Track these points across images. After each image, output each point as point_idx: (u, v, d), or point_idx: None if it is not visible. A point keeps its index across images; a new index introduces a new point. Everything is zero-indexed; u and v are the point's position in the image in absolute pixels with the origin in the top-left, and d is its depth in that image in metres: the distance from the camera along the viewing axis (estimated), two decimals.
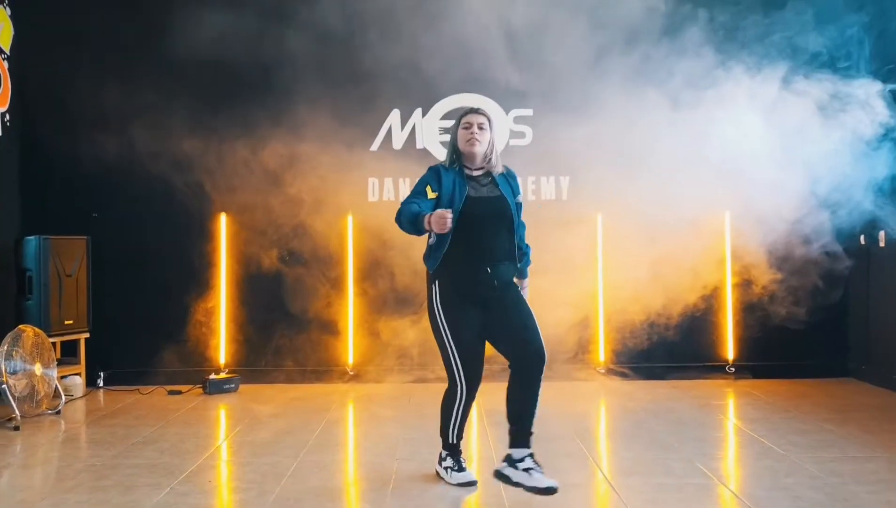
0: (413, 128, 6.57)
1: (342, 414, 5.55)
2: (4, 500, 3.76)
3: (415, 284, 6.23)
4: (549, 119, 6.41)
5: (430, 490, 3.76)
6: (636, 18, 6.20)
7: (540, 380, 3.59)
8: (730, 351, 6.50)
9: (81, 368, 6.20)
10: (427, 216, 3.44)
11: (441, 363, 3.74)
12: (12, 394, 5.07)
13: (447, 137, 6.41)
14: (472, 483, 3.77)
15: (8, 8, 6.24)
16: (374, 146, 6.57)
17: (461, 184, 3.64)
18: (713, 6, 6.25)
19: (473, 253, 3.60)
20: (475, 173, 3.71)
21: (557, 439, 4.67)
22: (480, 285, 3.61)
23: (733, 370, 6.47)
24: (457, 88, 6.51)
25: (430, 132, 6.56)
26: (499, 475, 3.61)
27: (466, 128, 3.69)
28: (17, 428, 5.01)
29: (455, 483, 3.78)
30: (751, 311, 6.45)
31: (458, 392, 3.67)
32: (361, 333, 6.57)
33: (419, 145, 6.57)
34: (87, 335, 6.25)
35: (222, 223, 6.55)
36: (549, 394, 5.71)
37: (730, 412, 5.43)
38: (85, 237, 6.27)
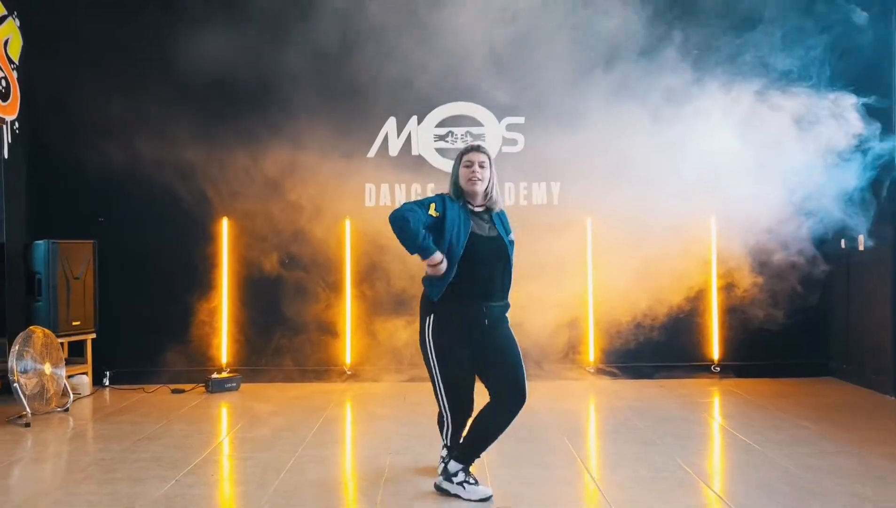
0: (409, 135, 6.79)
1: (339, 412, 5.77)
2: (20, 491, 3.98)
3: (410, 287, 6.44)
4: (540, 127, 6.65)
5: (421, 482, 3.97)
6: (615, 38, 6.43)
7: (515, 417, 3.71)
8: (715, 351, 6.72)
9: (88, 367, 6.42)
10: (438, 254, 3.60)
11: None
12: (23, 392, 5.28)
13: (442, 145, 6.69)
14: (489, 498, 3.72)
15: (17, 20, 6.46)
16: (371, 153, 6.79)
17: (465, 219, 3.72)
18: (687, 27, 6.47)
19: (474, 289, 3.69)
20: (477, 210, 3.80)
21: (545, 435, 4.89)
22: (475, 321, 3.70)
23: (718, 369, 6.69)
24: (450, 98, 6.74)
25: (424, 140, 6.78)
26: (438, 488, 3.79)
27: (468, 166, 3.76)
28: (28, 425, 5.23)
29: (476, 499, 3.70)
30: (735, 313, 6.67)
31: (445, 419, 3.83)
32: (359, 334, 6.79)
33: (414, 152, 6.79)
34: (94, 335, 6.47)
35: (224, 228, 6.77)
36: (540, 393, 6.01)
37: (712, 410, 5.65)
38: (91, 241, 6.49)
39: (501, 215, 3.89)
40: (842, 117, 5.46)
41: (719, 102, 5.97)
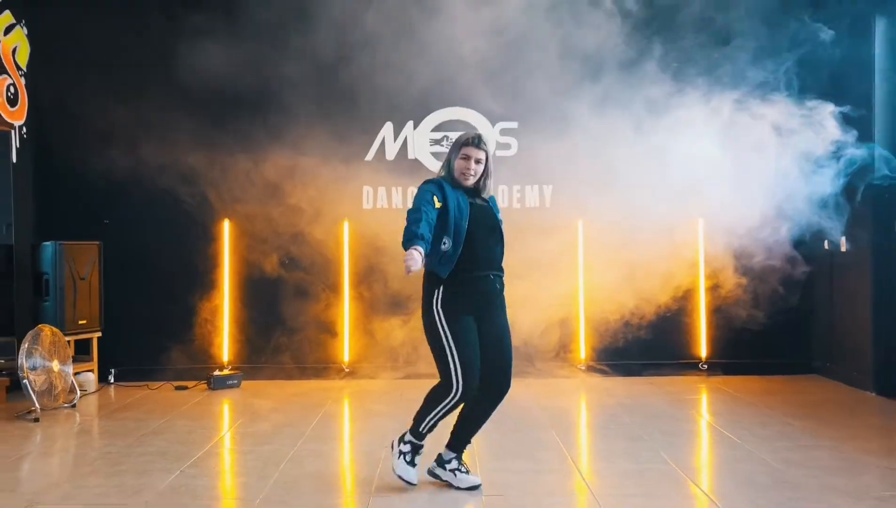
0: (405, 140, 6.98)
1: (337, 408, 5.95)
2: (30, 484, 4.16)
3: (406, 288, 6.62)
4: (533, 133, 6.85)
5: None
6: (600, 51, 6.63)
7: (499, 403, 3.84)
8: (703, 350, 6.91)
9: (94, 365, 6.60)
10: (415, 252, 3.46)
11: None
12: (33, 388, 5.47)
13: (437, 149, 6.87)
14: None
15: (25, 28, 6.64)
16: (369, 157, 6.97)
17: (462, 196, 3.79)
18: (666, 42, 6.67)
19: (480, 260, 3.75)
20: (466, 189, 3.86)
21: (535, 430, 5.07)
22: (486, 291, 3.78)
23: (706, 367, 6.88)
24: (445, 103, 6.93)
25: (420, 144, 6.97)
26: (430, 473, 3.95)
27: (464, 159, 3.79)
28: (37, 420, 5.41)
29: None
30: (723, 312, 6.86)
31: (452, 393, 3.70)
32: (357, 333, 6.98)
33: (411, 156, 6.98)
34: (100, 334, 6.65)
35: (225, 229, 6.96)
36: (532, 390, 6.21)
37: (698, 407, 5.83)
38: (97, 243, 6.67)
39: (491, 200, 3.95)
40: (819, 125, 5.66)
41: (700, 112, 6.18)
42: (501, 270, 3.87)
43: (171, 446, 4.79)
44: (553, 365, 6.90)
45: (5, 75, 6.36)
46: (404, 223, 3.61)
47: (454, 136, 6.71)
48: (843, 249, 6.32)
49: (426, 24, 6.55)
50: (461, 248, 3.71)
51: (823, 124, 5.63)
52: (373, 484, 4.01)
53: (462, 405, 3.83)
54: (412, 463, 3.89)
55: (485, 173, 3.84)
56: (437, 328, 3.73)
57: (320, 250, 6.95)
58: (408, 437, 3.91)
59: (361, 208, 6.97)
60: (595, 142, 6.55)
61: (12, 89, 6.45)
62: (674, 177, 6.37)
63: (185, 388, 6.60)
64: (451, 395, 3.72)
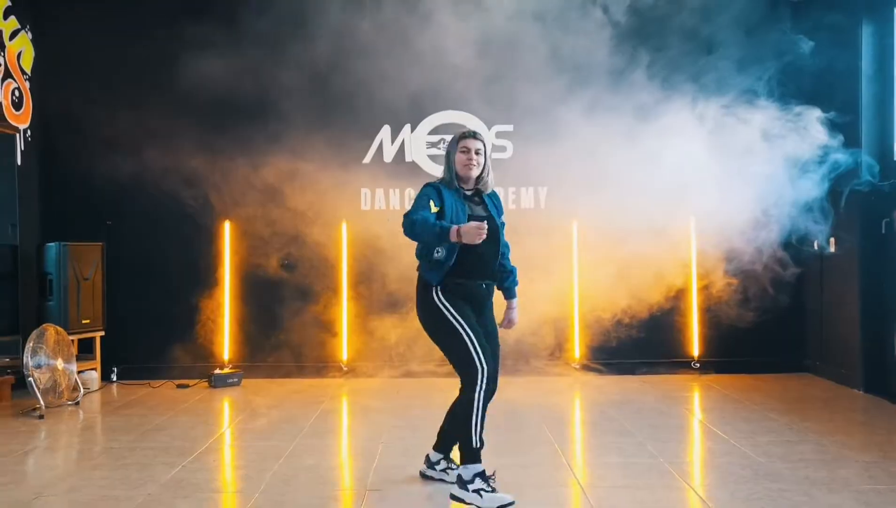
0: (402, 143, 7.11)
1: (335, 405, 6.08)
2: (36, 478, 4.29)
3: (403, 288, 6.77)
4: (527, 136, 6.99)
5: (410, 468, 4.28)
6: (590, 58, 6.81)
7: (490, 402, 3.74)
8: (695, 348, 7.04)
9: (97, 363, 6.74)
10: (456, 228, 3.55)
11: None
12: (37, 386, 5.60)
13: (434, 151, 7.01)
14: (511, 504, 3.59)
15: (30, 33, 6.79)
16: (367, 160, 7.11)
17: (460, 203, 3.80)
18: (652, 52, 6.81)
19: (473, 270, 3.77)
20: (468, 193, 3.90)
21: (528, 427, 5.20)
22: (476, 296, 3.82)
23: (698, 365, 7.01)
24: (441, 107, 7.06)
25: (417, 146, 7.11)
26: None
27: (464, 152, 3.84)
28: (41, 417, 5.55)
29: (495, 507, 3.58)
30: (715, 312, 6.99)
31: (480, 378, 3.62)
32: (355, 332, 7.11)
33: (408, 158, 7.11)
34: (103, 333, 6.79)
35: (226, 231, 7.09)
36: (526, 388, 6.34)
37: (687, 403, 5.96)
38: (100, 244, 6.80)
39: (494, 197, 4.00)
40: (805, 131, 5.80)
41: (689, 117, 6.33)
42: (493, 278, 3.91)
43: (174, 441, 4.92)
44: (547, 364, 7.03)
45: (10, 80, 6.50)
46: (402, 229, 3.69)
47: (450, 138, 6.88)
48: (833, 249, 6.45)
49: (420, 32, 6.73)
50: (455, 257, 3.71)
51: (809, 130, 5.77)
52: (368, 478, 4.14)
53: (451, 414, 3.85)
54: (493, 490, 3.64)
55: (485, 167, 3.89)
56: (445, 316, 3.71)
57: (319, 251, 7.08)
58: (467, 474, 3.65)
59: (360, 209, 7.11)
60: (588, 145, 6.69)
61: (17, 93, 6.59)
62: (665, 179, 6.53)
63: (187, 386, 6.73)
64: (479, 380, 3.63)
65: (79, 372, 6.23)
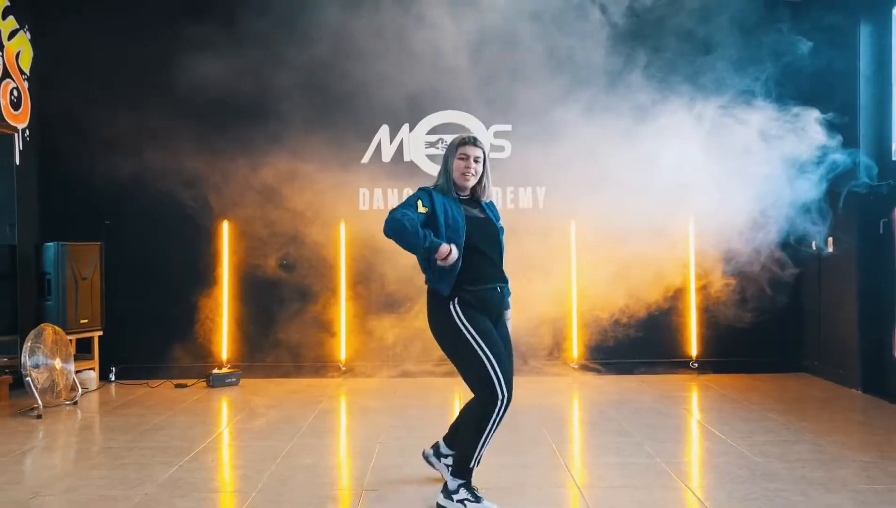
0: (401, 142, 7.11)
1: (333, 405, 6.08)
2: (34, 478, 4.28)
3: (402, 288, 6.78)
4: (526, 136, 7.00)
5: (406, 468, 4.29)
6: (588, 59, 6.81)
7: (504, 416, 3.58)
8: (694, 348, 7.04)
9: (95, 363, 6.74)
10: (445, 245, 3.44)
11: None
12: (35, 386, 5.60)
13: (433, 151, 7.01)
14: None
15: (28, 33, 6.79)
16: (365, 159, 7.11)
17: (456, 207, 3.65)
18: (650, 52, 6.83)
19: (483, 273, 3.62)
20: (463, 198, 3.75)
21: (526, 427, 5.20)
22: (495, 304, 3.64)
23: (696, 365, 7.01)
24: (440, 107, 7.06)
25: (416, 146, 7.11)
26: (424, 457, 3.94)
27: (462, 159, 3.68)
28: (39, 417, 5.55)
29: None
30: (714, 312, 6.99)
31: (499, 404, 3.47)
32: (353, 332, 7.11)
33: (406, 158, 7.12)
34: (101, 333, 6.79)
35: (225, 231, 7.09)
36: (524, 388, 6.34)
37: (685, 403, 5.96)
38: (99, 243, 6.80)
39: (490, 205, 3.85)
40: (803, 131, 5.81)
41: (687, 117, 6.33)
42: (505, 279, 3.76)
43: (172, 441, 4.92)
44: (546, 364, 7.03)
45: (9, 79, 6.50)
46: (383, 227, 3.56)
47: (449, 138, 6.88)
48: (831, 249, 6.45)
49: (419, 33, 6.73)
50: (461, 263, 3.55)
51: (808, 130, 5.77)
52: (366, 478, 4.15)
53: (460, 422, 3.74)
54: (479, 499, 3.57)
55: (483, 175, 3.74)
56: (462, 333, 3.52)
57: (318, 251, 7.08)
58: (454, 485, 3.58)
59: (358, 209, 7.11)
60: (587, 145, 6.69)
61: (15, 93, 6.59)
62: (664, 180, 6.53)
63: (185, 386, 6.73)
64: (498, 406, 3.48)
65: (77, 372, 6.23)
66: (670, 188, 6.53)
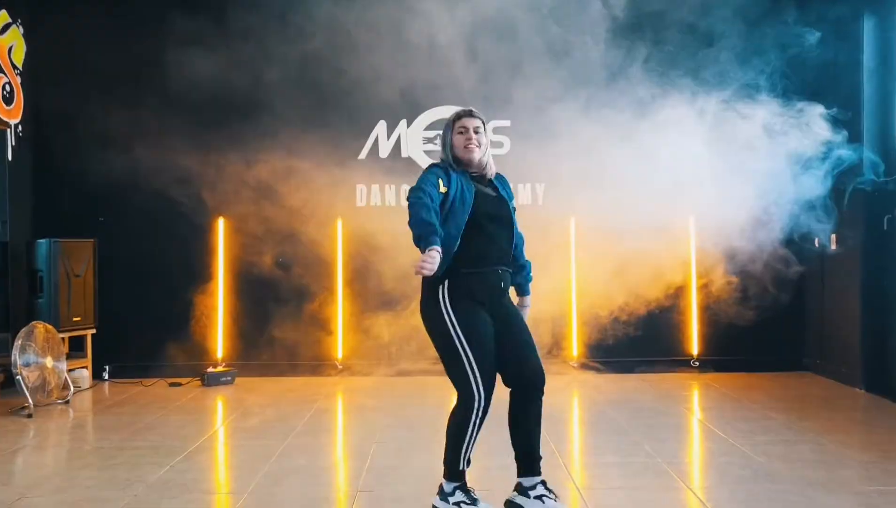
0: (398, 138, 7.04)
1: (330, 404, 6.01)
2: (23, 477, 4.22)
3: (399, 285, 6.69)
4: (525, 131, 6.91)
5: (402, 468, 4.22)
6: (588, 55, 6.75)
7: (541, 400, 3.44)
8: (695, 347, 6.96)
9: (88, 361, 6.66)
10: (437, 251, 3.12)
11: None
12: (26, 385, 5.52)
13: (431, 147, 6.92)
14: None
15: (21, 27, 6.71)
16: (362, 155, 7.03)
17: (467, 182, 3.40)
18: (651, 45, 6.75)
19: (485, 254, 3.36)
20: (472, 174, 3.49)
21: None
22: (493, 288, 3.39)
23: (698, 364, 6.94)
24: (438, 102, 6.99)
25: (413, 142, 7.03)
26: (510, 504, 3.45)
27: (462, 133, 3.44)
28: (30, 416, 5.47)
29: None
30: (714, 310, 6.91)
31: (476, 406, 3.29)
32: (350, 330, 7.03)
33: (404, 154, 7.04)
34: (94, 331, 6.71)
35: (220, 228, 7.01)
36: None
37: (686, 402, 5.89)
38: (92, 240, 6.72)
39: (502, 179, 3.60)
40: (807, 127, 5.72)
41: (688, 112, 6.23)
42: (509, 265, 3.49)
43: (164, 440, 4.84)
44: (545, 362, 6.84)
45: (1, 74, 6.42)
46: (405, 214, 3.27)
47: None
48: (834, 247, 6.37)
49: (415, 27, 6.66)
50: (458, 242, 3.31)
51: (811, 125, 5.68)
52: (360, 478, 4.07)
53: (511, 420, 3.47)
54: (474, 501, 3.41)
55: (486, 145, 3.50)
56: (447, 327, 3.30)
57: (314, 249, 7.00)
58: (449, 487, 3.42)
59: (355, 206, 7.03)
60: (586, 141, 6.58)
61: (8, 88, 6.51)
62: (665, 176, 6.42)
63: (179, 385, 6.65)
64: (475, 409, 3.29)
65: (70, 370, 6.15)
66: (671, 185, 6.42)
